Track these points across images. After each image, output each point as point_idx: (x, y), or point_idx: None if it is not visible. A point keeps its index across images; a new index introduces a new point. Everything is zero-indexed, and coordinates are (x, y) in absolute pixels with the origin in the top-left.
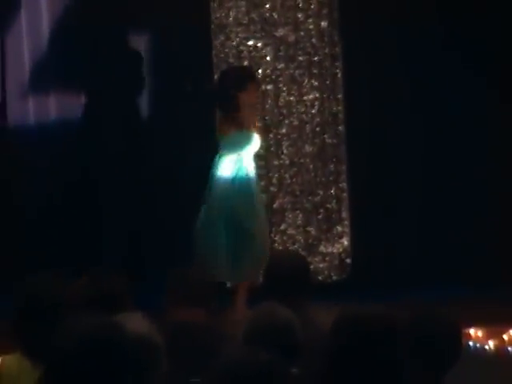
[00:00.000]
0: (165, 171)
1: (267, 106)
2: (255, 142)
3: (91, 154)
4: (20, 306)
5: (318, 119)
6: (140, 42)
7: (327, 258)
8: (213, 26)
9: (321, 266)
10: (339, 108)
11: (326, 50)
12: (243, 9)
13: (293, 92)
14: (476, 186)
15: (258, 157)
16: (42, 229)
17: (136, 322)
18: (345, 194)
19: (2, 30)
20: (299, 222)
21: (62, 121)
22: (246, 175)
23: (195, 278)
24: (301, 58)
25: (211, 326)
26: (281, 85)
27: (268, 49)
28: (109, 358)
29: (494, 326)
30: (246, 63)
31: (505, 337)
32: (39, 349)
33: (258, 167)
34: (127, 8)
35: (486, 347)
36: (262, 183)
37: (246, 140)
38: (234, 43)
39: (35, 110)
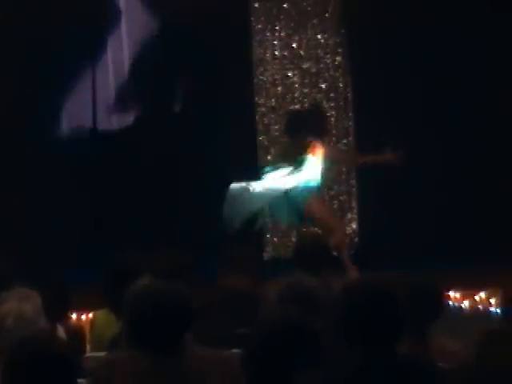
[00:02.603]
0: None
1: None
2: None
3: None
4: (110, 276)
5: None
6: None
7: None
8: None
9: None
10: None
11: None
12: (277, 47)
13: None
14: None
15: None
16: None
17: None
18: (354, 189)
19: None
20: None
21: None
22: None
23: (243, 252)
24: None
25: (253, 290)
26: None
27: (296, 78)
28: (174, 312)
29: (468, 289)
30: (279, 89)
31: (477, 298)
32: (121, 306)
33: None
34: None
35: (462, 306)
36: None
37: None
38: (270, 73)
39: None
